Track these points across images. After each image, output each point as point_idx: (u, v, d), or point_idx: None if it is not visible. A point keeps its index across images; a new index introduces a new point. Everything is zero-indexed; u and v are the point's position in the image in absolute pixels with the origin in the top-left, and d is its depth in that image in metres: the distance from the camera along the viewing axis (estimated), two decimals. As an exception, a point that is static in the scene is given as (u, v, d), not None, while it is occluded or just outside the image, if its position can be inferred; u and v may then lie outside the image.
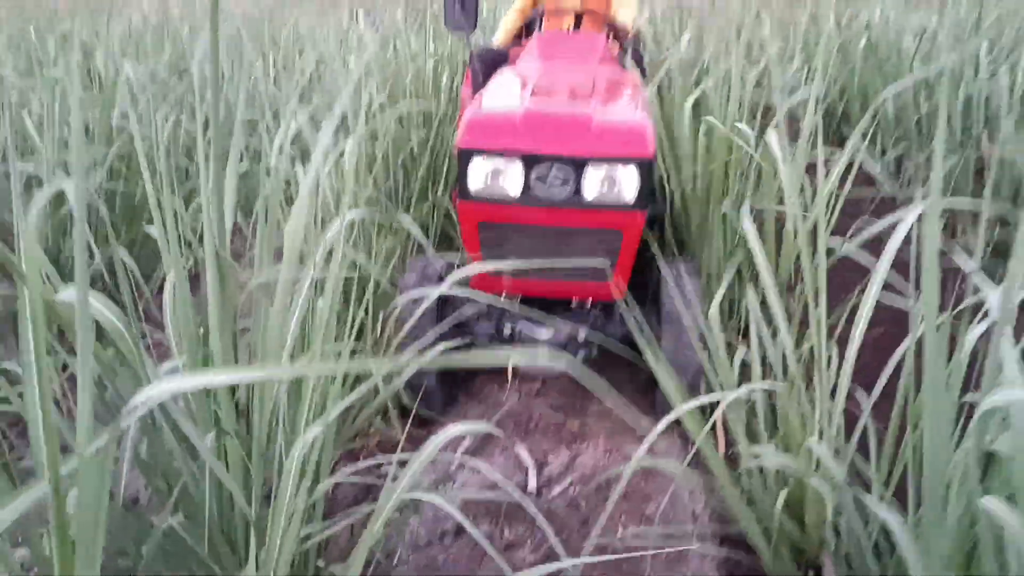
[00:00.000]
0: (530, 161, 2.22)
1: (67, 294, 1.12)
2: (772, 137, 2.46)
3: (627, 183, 2.22)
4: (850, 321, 1.82)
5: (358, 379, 2.18)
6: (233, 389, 1.30)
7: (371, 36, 4.41)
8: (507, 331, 2.52)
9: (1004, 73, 3.73)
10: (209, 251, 1.26)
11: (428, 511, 2.14)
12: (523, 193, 2.24)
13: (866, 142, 3.88)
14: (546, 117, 2.30)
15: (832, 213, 2.69)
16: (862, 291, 1.77)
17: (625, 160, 2.21)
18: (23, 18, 6.24)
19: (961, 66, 3.95)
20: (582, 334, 2.48)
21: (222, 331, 1.27)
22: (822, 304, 1.80)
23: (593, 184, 2.23)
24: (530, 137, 2.22)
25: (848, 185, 2.70)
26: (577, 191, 2.23)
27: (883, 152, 4.43)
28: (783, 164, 2.33)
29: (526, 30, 3.52)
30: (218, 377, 0.93)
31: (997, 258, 2.95)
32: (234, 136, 1.41)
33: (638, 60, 3.48)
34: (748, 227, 2.17)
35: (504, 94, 2.58)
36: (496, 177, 2.25)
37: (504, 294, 2.41)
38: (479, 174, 2.25)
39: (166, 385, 0.82)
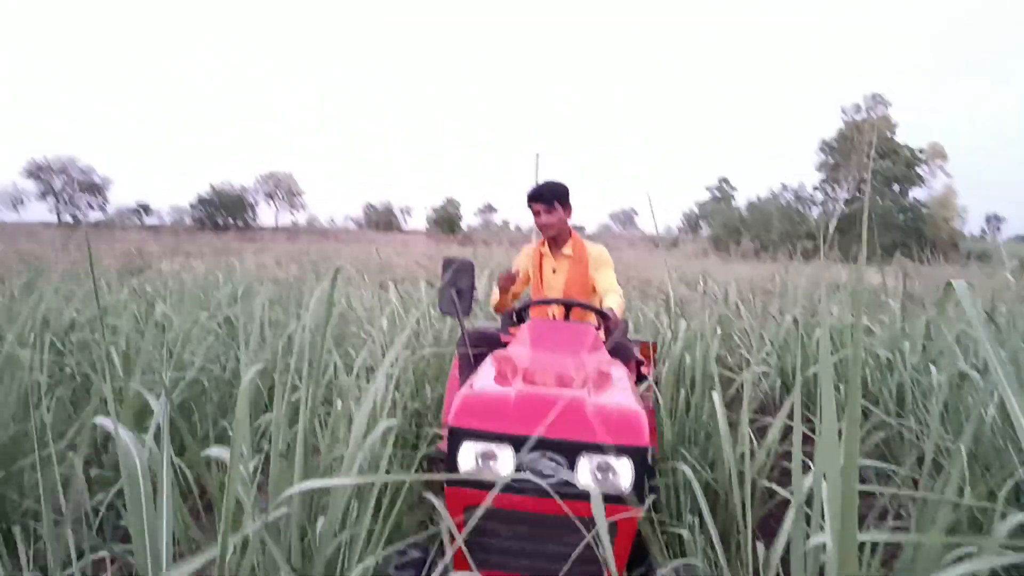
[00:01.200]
0: (521, 445, 2.18)
1: (214, 450, 1.70)
2: (716, 399, 3.03)
3: (622, 473, 2.16)
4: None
5: None
6: (302, 536, 1.82)
7: (397, 303, 5.21)
8: None
9: (934, 370, 4.42)
10: (301, 436, 1.84)
11: None
12: (513, 479, 2.17)
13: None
14: (539, 401, 2.25)
15: (767, 466, 3.20)
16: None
17: (620, 449, 2.15)
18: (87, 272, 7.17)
19: (893, 358, 4.69)
20: None
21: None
22: (748, 541, 2.31)
23: (586, 472, 2.17)
24: (522, 420, 2.18)
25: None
26: (569, 479, 2.18)
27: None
28: (722, 428, 2.89)
29: (517, 316, 3.62)
30: (323, 482, 1.46)
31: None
32: (306, 377, 2.03)
33: (625, 349, 3.45)
34: (690, 473, 2.57)
35: (496, 377, 2.58)
36: (486, 460, 2.21)
37: None
38: (469, 456, 2.22)
39: (307, 484, 1.37)
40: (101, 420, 1.74)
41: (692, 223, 63.96)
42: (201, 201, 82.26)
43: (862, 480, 3.02)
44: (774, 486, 2.89)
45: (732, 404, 4.39)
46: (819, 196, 56.98)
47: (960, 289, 1.55)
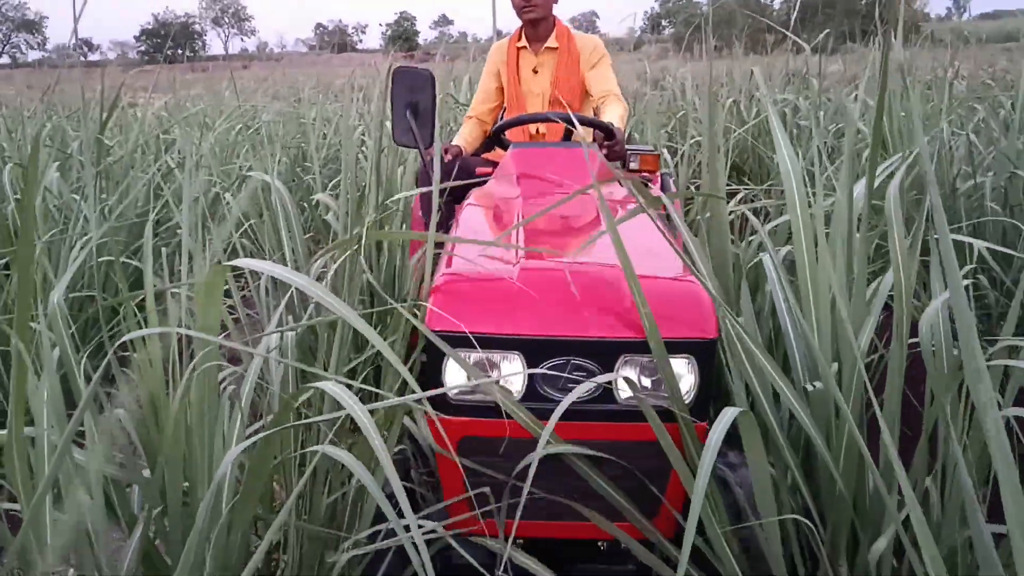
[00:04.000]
0: (535, 349, 1.57)
1: (321, 196, 2.68)
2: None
3: (682, 378, 1.56)
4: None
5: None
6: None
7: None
8: None
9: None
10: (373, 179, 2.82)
11: None
12: (526, 396, 1.58)
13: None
14: (555, 282, 1.60)
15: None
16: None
17: (678, 344, 1.52)
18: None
19: (811, 124, 5.75)
20: None
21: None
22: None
23: (630, 381, 1.56)
24: (534, 314, 1.57)
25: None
26: (607, 392, 1.57)
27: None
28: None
29: (493, 137, 2.87)
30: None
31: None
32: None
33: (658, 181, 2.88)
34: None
35: (483, 243, 1.87)
36: (485, 373, 1.58)
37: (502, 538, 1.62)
38: (460, 370, 1.58)
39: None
40: (257, 174, 2.71)
41: (654, 23, 62.89)
42: (145, 33, 79.10)
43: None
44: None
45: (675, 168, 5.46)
46: (784, -15, 56.05)
47: (757, 73, 2.32)
